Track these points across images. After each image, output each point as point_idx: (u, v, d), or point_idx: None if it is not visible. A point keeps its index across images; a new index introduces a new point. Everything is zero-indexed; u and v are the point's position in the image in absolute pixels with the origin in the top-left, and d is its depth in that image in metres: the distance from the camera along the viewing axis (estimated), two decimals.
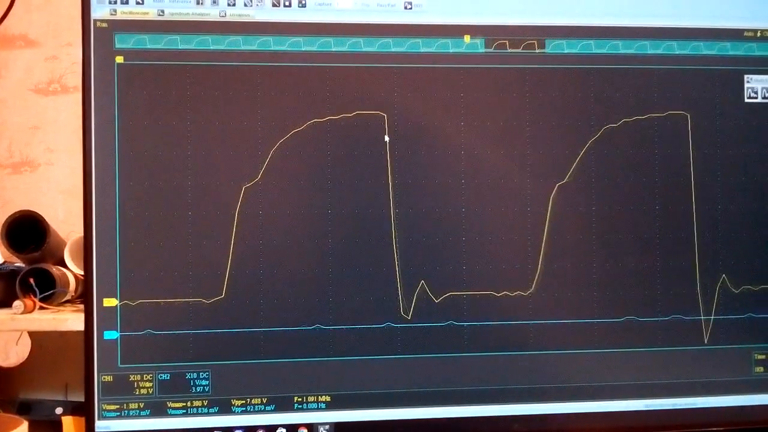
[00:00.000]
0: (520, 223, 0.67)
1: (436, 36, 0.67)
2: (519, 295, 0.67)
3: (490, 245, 0.67)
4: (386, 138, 0.66)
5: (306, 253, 0.65)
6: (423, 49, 0.67)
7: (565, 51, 0.68)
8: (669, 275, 0.69)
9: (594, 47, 0.69)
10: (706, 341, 0.69)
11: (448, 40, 0.67)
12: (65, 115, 1.18)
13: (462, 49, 0.67)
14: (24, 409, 0.99)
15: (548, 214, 0.67)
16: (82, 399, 0.64)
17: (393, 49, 0.67)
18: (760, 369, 0.70)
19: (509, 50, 0.68)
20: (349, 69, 0.66)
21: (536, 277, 0.67)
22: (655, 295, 0.68)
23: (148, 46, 0.64)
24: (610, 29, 0.69)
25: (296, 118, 0.66)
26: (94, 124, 0.64)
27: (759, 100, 0.70)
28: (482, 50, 0.68)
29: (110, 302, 0.64)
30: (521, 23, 0.68)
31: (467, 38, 0.67)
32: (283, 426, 0.65)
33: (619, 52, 0.69)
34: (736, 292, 0.69)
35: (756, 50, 0.70)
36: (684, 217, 0.69)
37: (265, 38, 0.66)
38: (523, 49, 0.68)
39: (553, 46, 0.68)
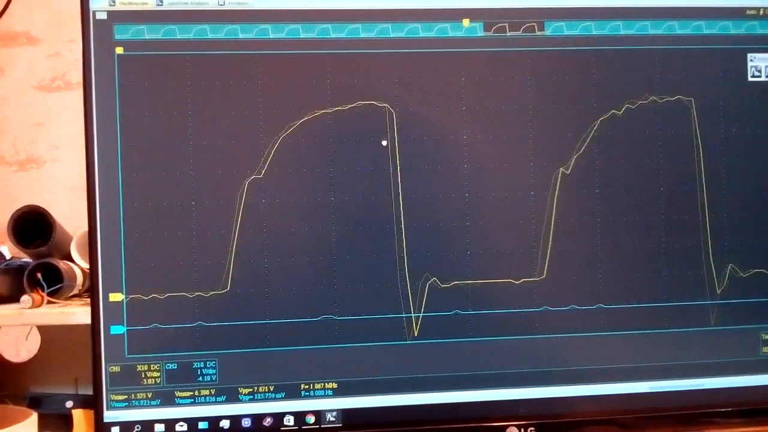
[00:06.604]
0: (526, 209, 0.67)
1: (434, 20, 0.67)
2: (524, 282, 0.67)
3: (496, 232, 0.67)
4: (388, 124, 0.66)
5: (311, 244, 0.65)
6: (423, 34, 0.67)
7: (565, 33, 0.68)
8: (677, 258, 0.68)
9: (594, 28, 0.68)
10: (712, 323, 0.68)
11: (447, 25, 0.67)
12: (69, 112, 1.17)
13: (461, 33, 0.67)
14: (34, 403, 0.99)
15: (553, 199, 0.67)
16: (92, 392, 0.65)
17: (392, 35, 0.66)
18: (767, 349, 0.69)
19: (509, 33, 0.67)
20: (349, 56, 0.66)
21: (545, 263, 0.67)
22: (663, 278, 0.68)
23: (147, 37, 0.64)
24: (610, 10, 0.68)
25: (298, 108, 0.65)
26: (96, 116, 0.64)
27: (762, 78, 0.70)
28: (481, 34, 0.67)
29: (116, 297, 0.64)
30: (520, 6, 0.68)
31: (466, 22, 0.67)
32: (291, 413, 0.65)
33: (620, 33, 0.68)
34: (744, 275, 0.69)
35: (758, 28, 0.70)
36: (692, 200, 0.69)
37: (263, 26, 0.65)
38: (522, 31, 0.68)
39: (553, 29, 0.68)
